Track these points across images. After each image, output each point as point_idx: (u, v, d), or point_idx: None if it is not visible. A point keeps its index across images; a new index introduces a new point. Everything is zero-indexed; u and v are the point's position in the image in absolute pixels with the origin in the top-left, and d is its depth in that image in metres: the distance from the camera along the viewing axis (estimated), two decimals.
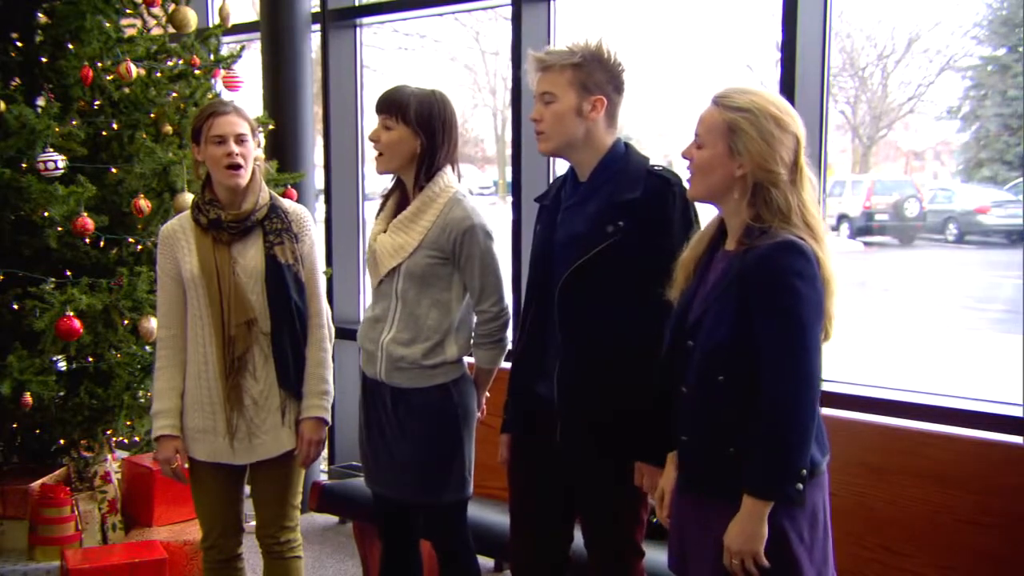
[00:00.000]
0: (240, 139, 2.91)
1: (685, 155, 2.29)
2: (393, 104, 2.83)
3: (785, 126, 2.19)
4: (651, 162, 2.65)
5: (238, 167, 2.90)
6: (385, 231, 2.91)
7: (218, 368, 2.93)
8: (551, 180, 4.43)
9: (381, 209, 2.98)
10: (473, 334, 2.93)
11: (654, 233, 2.54)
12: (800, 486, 2.12)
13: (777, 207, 2.18)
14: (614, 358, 2.58)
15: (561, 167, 4.38)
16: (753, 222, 2.20)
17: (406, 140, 2.83)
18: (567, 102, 2.59)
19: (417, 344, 2.84)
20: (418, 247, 2.82)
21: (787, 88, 3.61)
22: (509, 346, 3.02)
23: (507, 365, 2.91)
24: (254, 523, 3.10)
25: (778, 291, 2.13)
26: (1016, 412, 3.27)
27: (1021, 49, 11.79)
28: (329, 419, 3.05)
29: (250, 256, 2.96)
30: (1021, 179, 12.50)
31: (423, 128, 2.83)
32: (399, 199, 2.96)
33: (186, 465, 3.00)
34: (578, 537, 2.81)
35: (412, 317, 2.85)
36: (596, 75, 2.60)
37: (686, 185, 2.40)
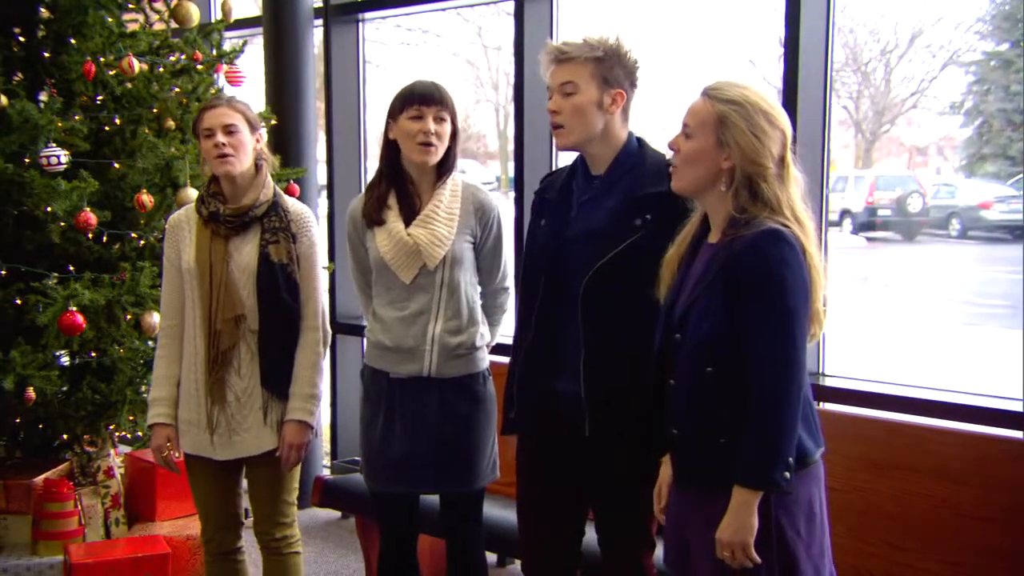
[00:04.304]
0: (228, 129, 2.91)
1: (672, 145, 2.30)
2: (445, 97, 2.86)
3: (774, 121, 2.21)
4: (667, 157, 2.63)
5: (225, 156, 2.91)
6: (407, 227, 2.85)
7: (203, 362, 2.94)
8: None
9: (380, 207, 2.89)
10: (484, 311, 3.02)
11: (678, 226, 2.49)
12: (788, 474, 2.12)
13: (765, 200, 2.19)
14: (641, 352, 2.53)
15: (563, 162, 4.37)
16: (737, 213, 2.21)
17: (449, 132, 2.87)
18: (589, 95, 2.58)
19: (469, 329, 2.91)
20: (457, 233, 2.87)
21: (790, 83, 3.60)
22: None
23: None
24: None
25: (764, 278, 2.14)
26: (1017, 407, 3.27)
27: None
28: (314, 423, 3.01)
29: (245, 252, 2.96)
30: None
31: (457, 122, 2.91)
32: (400, 193, 2.90)
33: (177, 455, 3.00)
34: (588, 532, 2.80)
35: (459, 304, 2.89)
36: (616, 70, 2.59)
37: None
